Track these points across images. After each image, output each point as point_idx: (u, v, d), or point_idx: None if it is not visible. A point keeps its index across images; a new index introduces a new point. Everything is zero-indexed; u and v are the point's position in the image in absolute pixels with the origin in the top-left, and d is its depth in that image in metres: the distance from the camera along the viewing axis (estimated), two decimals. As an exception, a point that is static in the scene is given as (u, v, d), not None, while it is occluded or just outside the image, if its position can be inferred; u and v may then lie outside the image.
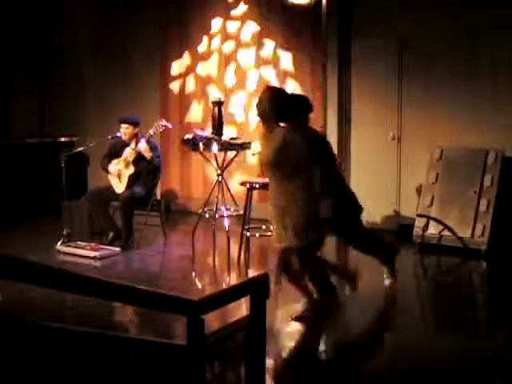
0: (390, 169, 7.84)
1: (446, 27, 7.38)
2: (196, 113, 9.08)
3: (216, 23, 8.81)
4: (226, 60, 8.80)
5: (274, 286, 4.94)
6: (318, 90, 7.99)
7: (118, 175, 7.20)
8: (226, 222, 6.76)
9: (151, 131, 7.07)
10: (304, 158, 4.81)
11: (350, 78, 8.03)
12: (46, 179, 8.77)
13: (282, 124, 4.95)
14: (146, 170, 7.19)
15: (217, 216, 6.81)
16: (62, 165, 7.16)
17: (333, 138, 7.60)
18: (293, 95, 5.45)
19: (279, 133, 4.88)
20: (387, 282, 5.71)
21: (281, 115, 4.91)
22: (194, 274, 6.45)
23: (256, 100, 5.11)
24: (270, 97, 4.94)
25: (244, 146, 6.88)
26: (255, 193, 7.00)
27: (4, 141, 9.17)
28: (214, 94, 8.62)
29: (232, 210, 6.96)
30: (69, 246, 6.98)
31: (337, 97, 7.99)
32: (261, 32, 8.48)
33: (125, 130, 7.21)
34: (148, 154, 7.04)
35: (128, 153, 7.17)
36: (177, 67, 9.18)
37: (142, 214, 7.23)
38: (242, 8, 8.61)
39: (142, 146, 7.03)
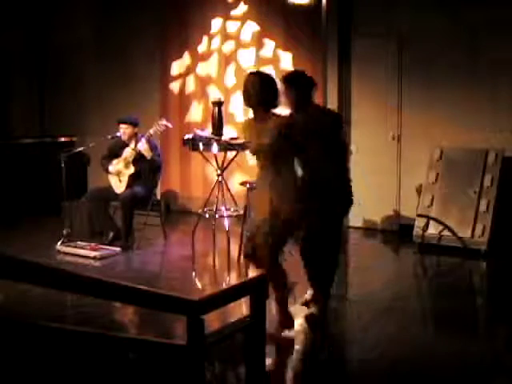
0: (389, 169, 7.84)
1: (445, 27, 7.38)
2: (196, 113, 9.08)
3: (216, 23, 8.81)
4: (226, 60, 8.80)
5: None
6: (318, 90, 7.97)
7: (118, 175, 7.20)
8: (226, 222, 6.76)
9: (151, 131, 7.07)
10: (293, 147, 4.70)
11: (350, 78, 8.03)
12: (46, 179, 8.77)
13: (274, 111, 4.78)
14: (147, 170, 7.19)
15: (217, 216, 6.81)
16: (62, 165, 7.16)
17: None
18: (294, 74, 5.23)
19: (271, 121, 4.71)
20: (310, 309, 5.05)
21: (271, 100, 4.73)
22: (194, 273, 6.45)
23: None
24: (256, 81, 4.75)
25: (244, 146, 6.87)
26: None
27: (4, 141, 9.17)
28: (214, 94, 8.63)
29: (232, 210, 6.95)
30: (69, 245, 6.98)
31: (337, 97, 7.99)
32: (261, 32, 8.48)
33: (124, 130, 7.21)
34: (148, 154, 7.04)
35: (128, 153, 7.17)
36: (177, 67, 9.18)
37: (142, 214, 7.24)
38: (242, 8, 8.62)
39: (142, 145, 7.04)
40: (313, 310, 4.92)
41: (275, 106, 4.81)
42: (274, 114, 4.81)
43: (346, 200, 5.04)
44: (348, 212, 5.33)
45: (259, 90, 4.71)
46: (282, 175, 4.68)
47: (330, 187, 4.85)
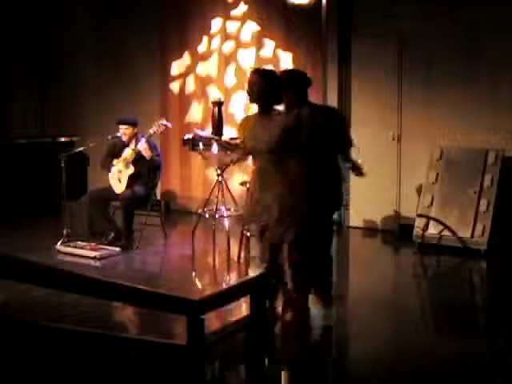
0: (390, 169, 7.84)
1: (446, 27, 7.38)
2: (196, 113, 9.08)
3: (216, 23, 8.80)
4: (226, 60, 8.79)
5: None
6: (318, 90, 7.99)
7: (118, 178, 7.19)
8: (226, 222, 6.76)
9: (151, 131, 7.06)
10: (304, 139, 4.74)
11: (349, 78, 8.03)
12: (46, 179, 8.77)
13: (277, 107, 4.82)
14: (147, 170, 7.19)
15: (217, 216, 6.81)
16: (62, 165, 7.16)
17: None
18: (290, 71, 5.33)
19: (278, 116, 4.76)
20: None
21: (276, 96, 4.77)
22: (194, 274, 6.45)
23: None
24: (261, 77, 4.78)
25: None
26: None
27: (4, 141, 9.17)
28: (214, 94, 8.63)
29: (232, 210, 6.95)
30: (69, 246, 6.98)
31: (337, 97, 7.99)
32: (261, 32, 8.48)
33: (124, 131, 7.20)
34: (148, 154, 7.03)
35: (128, 153, 7.17)
36: (177, 67, 9.18)
37: (141, 214, 7.23)
38: (242, 8, 8.61)
39: (142, 146, 7.03)
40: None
41: (279, 102, 4.83)
42: (277, 111, 4.82)
43: (336, 200, 5.13)
44: (335, 211, 5.41)
45: (262, 86, 4.74)
46: (283, 172, 4.70)
47: (323, 185, 4.88)
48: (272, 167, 4.74)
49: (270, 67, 8.31)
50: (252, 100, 4.85)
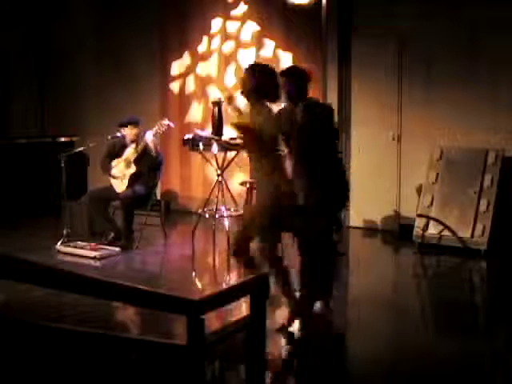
0: (390, 169, 7.84)
1: (446, 27, 7.38)
2: (196, 113, 9.08)
3: (216, 23, 8.81)
4: (226, 60, 8.80)
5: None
6: (317, 90, 7.99)
7: (120, 177, 7.19)
8: (226, 222, 6.76)
9: (153, 131, 7.06)
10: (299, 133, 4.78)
11: (349, 78, 8.03)
12: (46, 179, 8.77)
13: (267, 102, 4.77)
14: (147, 169, 7.18)
15: (217, 216, 6.81)
16: (62, 165, 7.16)
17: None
18: (288, 67, 5.43)
19: (266, 108, 4.75)
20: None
21: (267, 91, 4.72)
22: (194, 274, 6.45)
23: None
24: (249, 71, 4.79)
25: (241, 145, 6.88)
26: (255, 193, 6.99)
27: (4, 141, 9.16)
28: (214, 94, 8.63)
29: (232, 210, 6.96)
30: (69, 246, 6.98)
31: (337, 97, 7.99)
32: (261, 32, 8.48)
33: (131, 131, 7.20)
34: (154, 147, 7.02)
35: (130, 153, 7.17)
36: (177, 67, 9.18)
37: (142, 214, 7.23)
38: (242, 8, 8.62)
39: (149, 137, 7.00)
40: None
41: (273, 98, 4.79)
42: (267, 106, 4.79)
43: (343, 193, 5.16)
44: (343, 206, 5.52)
45: (255, 80, 4.72)
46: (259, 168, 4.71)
47: (327, 178, 4.90)
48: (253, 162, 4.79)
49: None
50: (242, 93, 4.82)
